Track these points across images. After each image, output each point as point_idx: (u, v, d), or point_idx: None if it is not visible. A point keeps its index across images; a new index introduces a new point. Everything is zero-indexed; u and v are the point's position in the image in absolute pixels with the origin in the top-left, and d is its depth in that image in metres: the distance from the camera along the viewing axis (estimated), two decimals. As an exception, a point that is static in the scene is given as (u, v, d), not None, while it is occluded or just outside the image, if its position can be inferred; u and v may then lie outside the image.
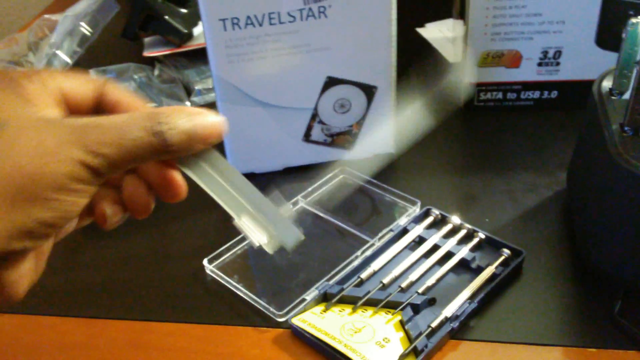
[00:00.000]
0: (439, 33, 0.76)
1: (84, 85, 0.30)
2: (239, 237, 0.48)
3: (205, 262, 0.47)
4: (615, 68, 0.44)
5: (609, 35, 0.57)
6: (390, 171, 0.57)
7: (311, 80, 0.53)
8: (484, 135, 0.60)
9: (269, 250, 0.30)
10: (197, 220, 0.52)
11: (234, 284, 0.45)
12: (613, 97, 0.43)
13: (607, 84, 0.45)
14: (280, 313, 0.42)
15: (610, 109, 0.43)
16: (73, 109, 0.30)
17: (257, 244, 0.30)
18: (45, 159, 0.26)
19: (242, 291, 0.44)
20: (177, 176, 0.31)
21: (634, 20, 0.42)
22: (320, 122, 0.55)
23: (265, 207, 0.31)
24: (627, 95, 0.43)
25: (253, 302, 0.44)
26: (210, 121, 0.29)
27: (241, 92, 0.53)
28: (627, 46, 0.43)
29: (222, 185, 0.31)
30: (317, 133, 0.56)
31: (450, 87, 0.66)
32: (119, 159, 0.27)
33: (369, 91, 0.54)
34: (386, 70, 0.54)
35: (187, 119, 0.29)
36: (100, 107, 0.31)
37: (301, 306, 0.43)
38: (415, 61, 0.72)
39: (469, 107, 0.63)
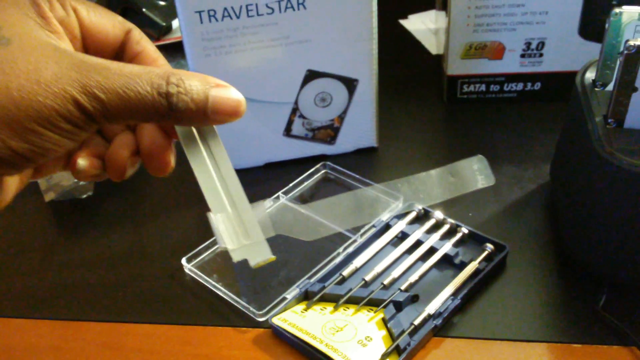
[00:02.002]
0: (421, 25, 0.75)
1: (110, 24, 0.28)
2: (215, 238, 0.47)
3: (183, 261, 0.46)
4: (599, 59, 0.43)
5: (592, 26, 0.57)
6: (373, 165, 0.56)
7: (291, 74, 0.52)
8: (468, 128, 0.60)
9: (234, 258, 0.29)
10: (175, 217, 0.51)
11: (213, 283, 0.44)
12: (596, 89, 0.43)
13: (590, 75, 0.44)
14: (260, 312, 0.41)
15: (594, 101, 0.42)
16: (92, 47, 0.28)
17: (223, 246, 0.29)
18: (37, 88, 0.24)
19: (221, 290, 0.43)
20: (169, 149, 0.29)
21: (617, 10, 0.41)
22: (301, 116, 0.54)
23: (246, 214, 0.29)
24: (610, 87, 0.42)
25: (233, 302, 0.43)
26: (227, 96, 0.27)
27: (219, 86, 0.51)
28: (610, 37, 0.42)
29: (211, 175, 0.29)
30: (298, 128, 0.55)
31: (433, 80, 0.65)
32: (115, 110, 0.25)
33: (350, 84, 0.53)
34: (367, 63, 0.53)
35: (203, 88, 0.26)
36: (120, 54, 0.28)
37: (282, 305, 0.42)
38: (398, 53, 0.71)
39: (452, 100, 0.62)
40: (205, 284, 0.44)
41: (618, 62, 0.39)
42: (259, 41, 0.50)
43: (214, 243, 0.47)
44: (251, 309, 0.41)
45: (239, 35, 0.50)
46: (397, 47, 0.73)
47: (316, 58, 0.52)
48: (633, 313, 0.41)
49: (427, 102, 0.63)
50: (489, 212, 0.50)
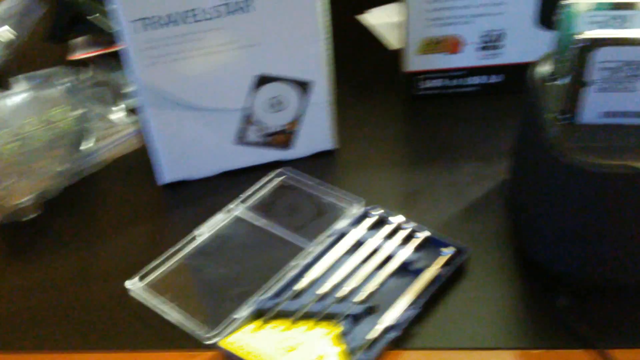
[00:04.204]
0: (380, 20, 0.73)
1: None
2: (165, 256, 0.45)
3: (130, 283, 0.44)
4: (552, 52, 0.42)
5: (552, 14, 0.55)
6: (333, 169, 0.54)
7: (241, 79, 0.50)
8: (429, 125, 0.58)
9: None
10: (125, 237, 0.49)
11: (161, 304, 0.42)
12: (551, 82, 0.41)
13: (544, 68, 0.43)
14: (209, 335, 0.39)
15: (548, 95, 0.40)
16: None
17: None
18: None
19: (169, 312, 0.42)
20: None
21: (564, 2, 0.40)
22: (255, 122, 0.52)
23: None
24: (565, 80, 0.41)
25: (181, 324, 0.41)
26: None
27: (167, 96, 0.49)
28: (563, 28, 0.40)
29: None
30: (252, 134, 0.53)
31: (393, 76, 0.63)
32: None
33: (303, 87, 0.52)
34: (320, 64, 0.51)
35: None
36: None
37: (234, 325, 0.40)
38: (358, 50, 0.70)
39: (413, 97, 0.61)
40: (152, 306, 0.42)
41: (571, 54, 0.37)
42: (206, 47, 0.48)
43: (162, 264, 0.45)
44: (201, 331, 0.40)
45: (185, 41, 0.48)
46: (356, 44, 0.71)
47: (266, 62, 0.50)
48: (593, 314, 0.39)
49: (387, 100, 0.62)
50: (450, 214, 0.48)
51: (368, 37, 0.72)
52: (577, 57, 0.36)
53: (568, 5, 0.39)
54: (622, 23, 0.40)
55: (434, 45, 0.58)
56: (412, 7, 0.56)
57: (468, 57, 0.58)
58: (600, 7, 0.40)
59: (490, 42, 0.57)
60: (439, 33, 0.57)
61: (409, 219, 0.46)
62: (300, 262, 0.44)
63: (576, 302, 0.40)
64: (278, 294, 0.42)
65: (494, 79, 0.59)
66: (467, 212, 0.48)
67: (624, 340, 0.38)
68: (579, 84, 0.37)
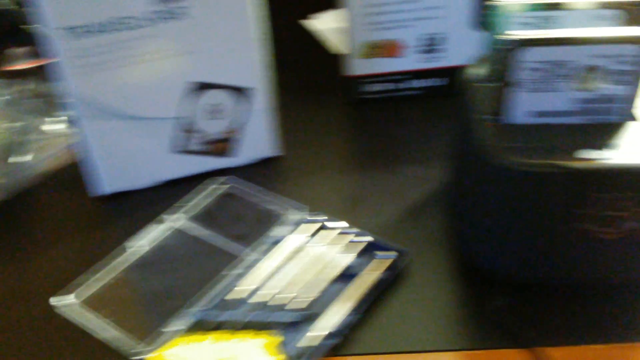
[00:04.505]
0: (324, 25, 0.73)
1: None
2: (99, 270, 0.44)
3: (57, 299, 0.42)
4: (486, 53, 0.42)
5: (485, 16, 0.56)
6: (277, 176, 0.54)
7: (178, 87, 0.49)
8: (374, 129, 0.58)
9: None
10: (55, 253, 0.47)
11: (92, 321, 0.41)
12: (483, 84, 0.41)
13: (478, 70, 0.43)
14: (140, 350, 0.38)
15: (480, 97, 0.40)
16: None
17: None
18: None
19: (100, 329, 0.40)
20: None
21: (492, 3, 0.40)
22: (195, 130, 0.52)
23: None
24: (495, 81, 0.41)
25: (112, 340, 0.39)
26: None
27: (102, 106, 0.48)
28: (493, 29, 0.41)
29: None
30: (193, 142, 0.52)
31: (338, 81, 0.63)
32: None
33: (243, 93, 0.51)
34: (258, 70, 0.50)
35: None
36: None
37: (167, 339, 0.39)
38: (302, 55, 0.69)
39: (358, 101, 0.61)
40: (80, 322, 0.41)
41: (498, 57, 0.37)
42: (140, 55, 0.47)
43: (97, 277, 0.44)
44: (129, 346, 0.38)
45: (118, 50, 0.46)
46: (301, 49, 0.70)
47: (203, 69, 0.49)
48: (528, 313, 0.40)
49: (332, 105, 0.61)
50: (393, 218, 0.48)
51: (312, 42, 0.71)
52: (505, 58, 0.36)
53: (497, 7, 0.40)
54: (552, 24, 0.40)
55: (377, 50, 0.58)
56: (353, 12, 0.56)
57: (411, 61, 0.59)
58: (532, 8, 0.41)
59: (432, 46, 0.58)
60: (381, 37, 0.57)
61: (352, 224, 0.46)
62: (238, 271, 0.43)
63: (512, 302, 0.40)
64: (215, 305, 0.41)
65: (437, 82, 0.60)
66: (409, 215, 0.48)
67: (558, 338, 0.38)
68: (507, 84, 0.37)
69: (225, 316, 0.40)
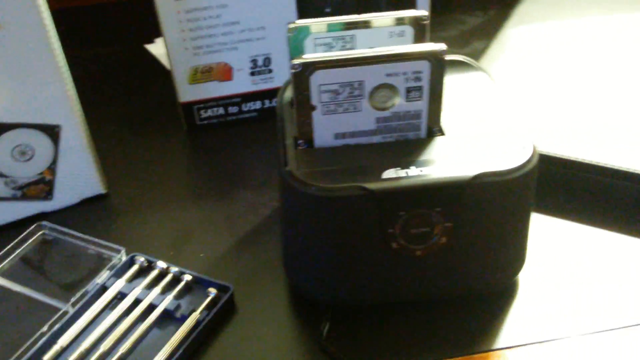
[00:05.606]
0: (161, 48, 0.71)
1: None
2: None
3: None
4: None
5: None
6: (103, 215, 0.50)
7: (-24, 130, 0.45)
8: (208, 156, 0.56)
9: None
10: None
11: None
12: (290, 108, 0.41)
13: (288, 93, 0.42)
14: None
15: (288, 121, 0.40)
16: None
17: None
18: None
19: None
20: None
21: (291, 25, 0.39)
22: (2, 175, 0.47)
23: None
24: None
25: None
26: None
27: None
28: (292, 52, 0.40)
29: None
30: (1, 189, 0.48)
31: (173, 108, 0.60)
32: None
33: (51, 132, 0.47)
34: (65, 105, 0.47)
35: None
36: None
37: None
38: (140, 82, 0.66)
39: (192, 127, 0.58)
40: None
41: (294, 80, 0.37)
42: None
43: None
44: None
45: None
46: (142, 75, 0.67)
47: (2, 109, 0.45)
48: (355, 337, 0.39)
49: (167, 134, 0.59)
50: (222, 250, 0.46)
51: (155, 67, 0.68)
52: (296, 82, 0.36)
53: (291, 29, 0.39)
54: (347, 44, 0.40)
55: (205, 74, 0.56)
56: (170, 36, 0.54)
57: (241, 84, 0.57)
58: (329, 28, 0.40)
59: (259, 67, 0.57)
60: (206, 61, 0.55)
61: (176, 262, 0.44)
62: (54, 326, 0.40)
63: (339, 327, 0.39)
64: (23, 370, 0.37)
65: (268, 103, 0.59)
66: (241, 245, 0.46)
67: (376, 357, 0.38)
68: (305, 108, 0.37)
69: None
